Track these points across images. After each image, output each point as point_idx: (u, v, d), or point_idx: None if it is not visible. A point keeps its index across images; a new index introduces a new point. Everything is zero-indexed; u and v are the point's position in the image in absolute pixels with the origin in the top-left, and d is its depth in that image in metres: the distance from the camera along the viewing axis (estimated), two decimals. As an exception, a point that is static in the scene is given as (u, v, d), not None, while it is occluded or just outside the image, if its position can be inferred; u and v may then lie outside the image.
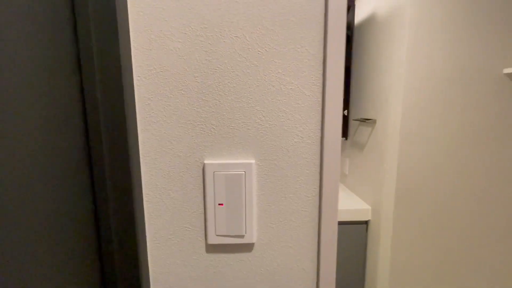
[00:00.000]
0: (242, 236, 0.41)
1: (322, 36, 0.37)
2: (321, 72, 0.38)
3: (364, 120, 1.51)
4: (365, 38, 1.53)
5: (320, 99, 0.39)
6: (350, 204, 1.52)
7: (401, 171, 1.22)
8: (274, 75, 0.39)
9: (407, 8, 1.13)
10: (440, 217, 1.26)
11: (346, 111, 1.75)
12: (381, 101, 1.36)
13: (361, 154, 1.59)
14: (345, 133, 1.79)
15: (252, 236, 0.41)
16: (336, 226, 0.41)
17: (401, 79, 1.18)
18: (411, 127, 1.19)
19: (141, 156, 0.39)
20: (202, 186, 0.40)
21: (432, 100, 1.18)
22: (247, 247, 0.42)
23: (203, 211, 0.41)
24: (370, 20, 1.48)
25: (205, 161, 0.40)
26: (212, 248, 0.42)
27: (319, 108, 0.39)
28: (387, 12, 1.30)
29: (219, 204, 0.40)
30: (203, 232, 0.42)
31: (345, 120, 1.77)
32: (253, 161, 0.40)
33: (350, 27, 1.70)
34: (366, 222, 1.51)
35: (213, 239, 0.41)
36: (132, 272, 0.37)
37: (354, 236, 1.50)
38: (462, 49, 1.14)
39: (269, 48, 0.38)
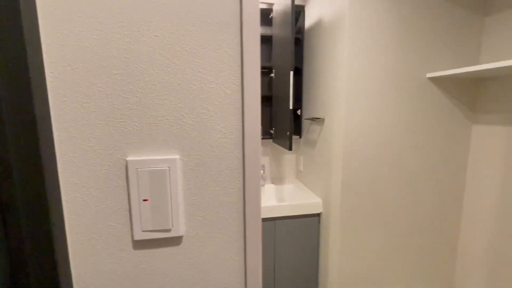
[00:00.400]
0: (169, 230, 0.42)
1: (239, 39, 0.40)
2: (239, 72, 0.41)
3: (314, 119, 1.61)
4: (314, 42, 1.63)
5: (239, 97, 0.42)
6: (304, 198, 1.61)
7: (346, 164, 1.33)
8: (195, 74, 0.41)
9: (346, 16, 1.24)
10: (379, 203, 1.40)
11: (299, 111, 1.85)
12: (328, 101, 1.47)
13: (313, 151, 1.69)
14: (298, 132, 1.89)
15: (179, 229, 0.43)
16: (259, 217, 0.44)
17: (343, 81, 1.29)
18: (353, 125, 1.31)
19: (57, 154, 0.38)
20: (126, 183, 0.41)
21: (370, 100, 1.30)
22: (175, 241, 0.43)
23: (128, 208, 0.41)
24: (317, 25, 1.58)
25: (128, 158, 0.40)
26: (140, 244, 0.43)
27: (239, 106, 0.42)
28: (330, 18, 1.40)
29: (144, 200, 0.40)
30: (129, 228, 0.42)
31: (298, 119, 1.87)
32: (177, 156, 0.42)
33: (300, 30, 1.79)
34: (318, 215, 1.61)
35: (139, 235, 0.41)
36: (48, 274, 0.36)
37: (308, 228, 1.59)
38: (393, 56, 1.28)
39: (189, 49, 0.40)
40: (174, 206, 0.42)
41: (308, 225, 1.59)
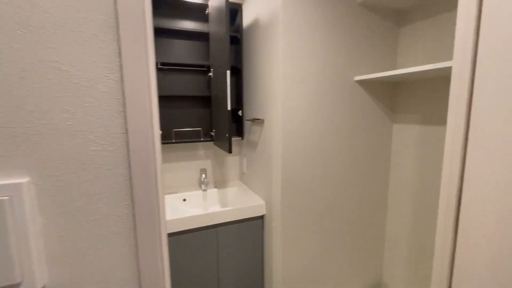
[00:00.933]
0: (17, 285, 0.30)
1: (114, 18, 0.30)
2: (118, 63, 0.31)
3: (255, 120, 1.57)
4: (252, 41, 1.59)
5: (120, 97, 0.32)
6: (247, 202, 1.56)
7: (285, 164, 1.31)
8: (48, 64, 0.29)
9: (279, 18, 1.21)
10: (316, 202, 1.43)
11: (240, 112, 1.79)
12: (266, 102, 1.44)
13: (255, 152, 1.65)
14: (240, 133, 1.83)
15: (35, 280, 0.31)
16: (165, 250, 0.35)
17: (279, 82, 1.27)
18: (291, 125, 1.30)
19: None
20: None
21: (305, 101, 1.31)
22: (33, 296, 0.31)
23: None
24: (255, 24, 1.54)
25: None
26: (-29, 311, 0.29)
27: (120, 108, 0.32)
28: (266, 18, 1.37)
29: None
30: None
31: (240, 120, 1.81)
32: (25, 180, 0.29)
33: (239, 29, 1.74)
34: (261, 217, 1.57)
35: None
36: None
37: (252, 231, 1.55)
38: (324, 59, 1.31)
39: (36, 27, 0.28)
40: (23, 250, 0.29)
41: (252, 228, 1.54)
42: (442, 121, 1.27)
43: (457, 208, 0.60)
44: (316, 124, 1.34)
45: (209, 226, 1.43)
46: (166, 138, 1.70)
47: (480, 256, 0.56)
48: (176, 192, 1.72)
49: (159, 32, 1.60)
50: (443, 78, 1.26)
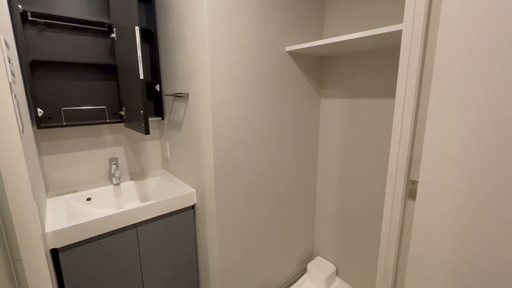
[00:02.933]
0: None
1: None
2: None
3: (177, 95, 1.33)
4: (168, 1, 1.31)
5: None
6: (175, 191, 1.33)
7: (217, 144, 1.15)
8: None
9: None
10: (250, 181, 1.34)
11: (158, 86, 1.49)
12: (191, 73, 1.21)
13: (179, 134, 1.41)
14: (160, 112, 1.54)
15: None
16: None
17: (206, 49, 1.07)
18: (221, 100, 1.13)
19: None
20: None
21: (235, 72, 1.16)
22: None
23: None
24: (169, -24, 1.26)
25: None
26: None
27: None
28: (184, -34, 1.12)
29: None
30: None
31: (158, 97, 1.52)
32: None
33: (149, -17, 1.41)
34: (192, 207, 1.38)
35: None
36: None
37: (182, 225, 1.34)
38: (256, 25, 1.18)
39: None
40: None
41: (181, 221, 1.34)
42: (366, 94, 1.35)
43: (406, 179, 0.59)
44: (247, 98, 1.22)
45: (126, 227, 1.15)
46: (53, 120, 1.27)
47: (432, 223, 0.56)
48: (76, 191, 1.33)
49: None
50: (366, 52, 1.32)
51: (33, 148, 1.07)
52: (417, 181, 0.59)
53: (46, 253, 0.83)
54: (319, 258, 1.77)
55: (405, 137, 0.57)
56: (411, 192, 0.61)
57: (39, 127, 1.20)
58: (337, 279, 1.67)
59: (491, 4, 0.46)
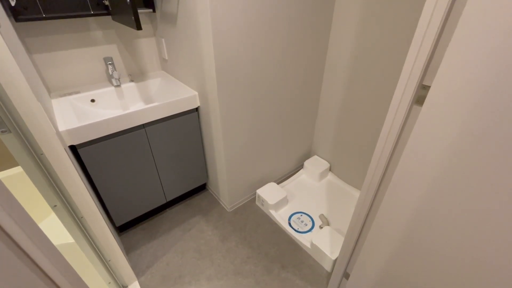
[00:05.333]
0: None
1: None
2: None
3: (167, -22, 1.11)
4: None
5: None
6: (177, 94, 1.32)
7: (218, 41, 1.05)
8: None
9: None
10: (254, 83, 1.31)
11: (142, -34, 1.23)
12: None
13: (175, 30, 1.27)
14: (150, 2, 1.34)
15: None
16: None
17: None
18: (220, -15, 0.95)
19: None
20: None
21: None
22: None
23: None
24: None
25: None
26: None
27: None
28: None
29: None
30: None
31: (145, -20, 1.27)
32: None
33: None
34: (196, 109, 1.41)
35: None
36: None
37: (188, 125, 1.41)
38: None
39: None
40: None
41: (186, 122, 1.39)
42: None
43: (419, 82, 0.55)
44: (252, -17, 1.02)
45: (136, 127, 1.21)
46: (31, 12, 1.12)
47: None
48: (78, 92, 1.32)
49: None
50: None
51: (19, 44, 0.99)
52: (429, 86, 0.56)
53: (65, 148, 0.90)
54: (315, 156, 1.94)
55: (432, 31, 0.50)
56: (420, 97, 0.59)
57: (17, 20, 1.07)
58: (330, 174, 1.89)
59: None
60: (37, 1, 1.11)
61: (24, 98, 0.65)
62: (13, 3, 1.04)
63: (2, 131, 0.65)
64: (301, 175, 1.91)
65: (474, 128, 0.49)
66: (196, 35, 1.12)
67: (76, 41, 1.30)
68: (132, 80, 1.47)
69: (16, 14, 1.06)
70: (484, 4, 0.43)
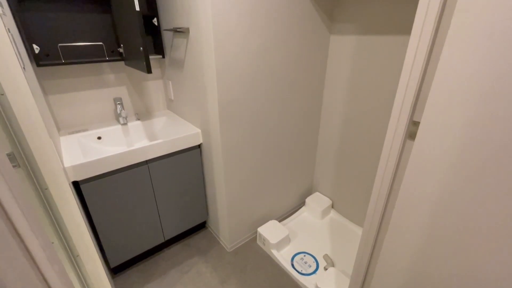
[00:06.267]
0: None
1: None
2: None
3: (177, 30, 1.24)
4: None
5: None
6: (180, 132, 1.37)
7: (221, 83, 1.13)
8: None
9: None
10: (255, 118, 1.36)
11: (155, 20, 1.38)
12: (190, 4, 1.11)
13: (182, 73, 1.37)
14: (160, 50, 1.47)
15: None
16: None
17: (205, -29, 0.95)
18: (224, 34, 1.06)
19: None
20: None
21: (239, 2, 1.05)
22: None
23: None
24: None
25: None
26: None
27: None
28: None
29: None
30: None
31: (156, 32, 1.42)
32: None
33: None
34: (199, 146, 1.45)
35: None
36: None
37: (190, 162, 1.43)
38: None
39: None
40: None
41: (189, 159, 1.42)
42: (380, 30, 1.24)
43: (409, 119, 0.59)
44: (252, 30, 1.14)
45: (139, 163, 1.23)
46: (52, 57, 1.23)
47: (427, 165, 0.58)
48: (86, 130, 1.38)
49: None
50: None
51: (37, 87, 1.07)
52: (419, 122, 0.60)
53: (69, 184, 0.91)
54: (317, 193, 1.92)
55: (416, 73, 0.55)
56: (412, 133, 0.62)
57: (38, 65, 1.17)
58: (332, 211, 1.85)
59: None
60: (59, 49, 1.23)
61: (38, 136, 0.69)
62: (37, 51, 1.15)
63: (12, 166, 0.67)
64: (303, 213, 1.87)
65: (466, 161, 0.52)
66: (201, 76, 1.21)
67: (89, 84, 1.39)
68: (138, 119, 1.54)
69: (38, 60, 1.17)
70: (459, 49, 0.48)
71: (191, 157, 1.42)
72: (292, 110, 1.49)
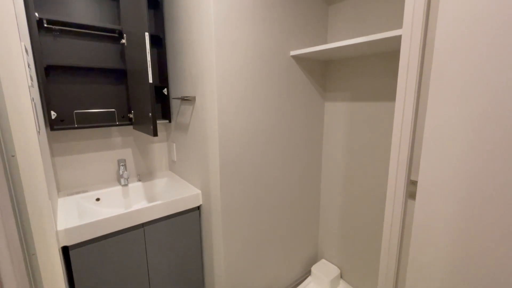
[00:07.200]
0: None
1: None
2: None
3: (184, 99, 1.36)
4: (176, 7, 1.35)
5: None
6: (181, 192, 1.36)
7: (223, 147, 1.18)
8: None
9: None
10: (256, 184, 1.36)
11: (165, 90, 1.54)
12: (197, 77, 1.25)
13: (186, 136, 1.45)
14: (167, 115, 1.59)
15: None
16: None
17: (213, 53, 1.10)
18: (227, 103, 1.16)
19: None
20: None
21: (241, 76, 1.19)
22: None
23: None
24: (178, -16, 1.31)
25: None
26: None
27: None
28: (192, -26, 1.16)
29: None
30: None
31: (166, 100, 1.56)
32: None
33: (158, -11, 1.46)
34: (198, 207, 1.41)
35: None
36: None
37: (189, 225, 1.37)
38: (261, 30, 1.21)
39: None
40: None
41: (187, 222, 1.36)
42: (369, 98, 1.36)
43: (407, 179, 0.61)
44: (253, 101, 1.25)
45: (134, 226, 1.18)
46: (66, 122, 1.32)
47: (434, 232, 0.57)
48: (85, 191, 1.37)
49: (42, -22, 1.19)
50: (369, 56, 1.34)
51: (47, 149, 1.12)
52: (417, 181, 0.60)
53: (58, 249, 0.86)
54: (323, 260, 1.77)
55: (405, 137, 0.58)
56: (411, 192, 0.62)
57: (52, 129, 1.24)
58: (342, 281, 1.67)
59: (488, 8, 0.48)
60: (74, 115, 1.33)
61: (38, 199, 0.69)
62: (53, 117, 1.24)
63: (4, 229, 0.65)
64: (309, 284, 1.69)
65: (467, 212, 0.50)
66: (204, 141, 1.27)
67: (96, 146, 1.46)
68: (139, 180, 1.55)
69: (52, 124, 1.25)
70: (439, 112, 0.52)
71: (189, 220, 1.37)
72: (292, 174, 1.51)
